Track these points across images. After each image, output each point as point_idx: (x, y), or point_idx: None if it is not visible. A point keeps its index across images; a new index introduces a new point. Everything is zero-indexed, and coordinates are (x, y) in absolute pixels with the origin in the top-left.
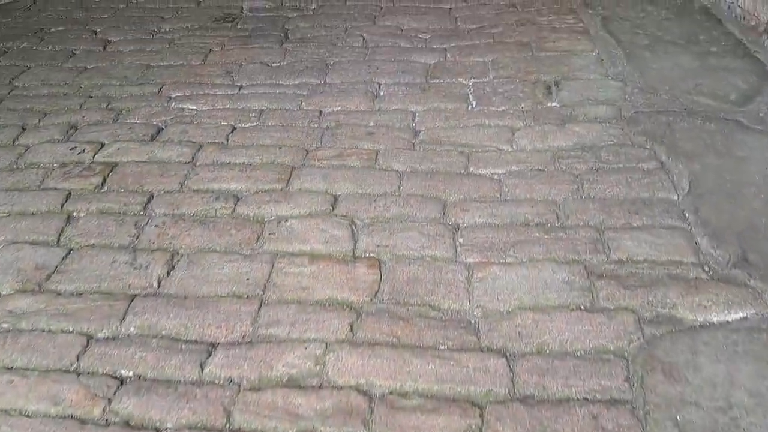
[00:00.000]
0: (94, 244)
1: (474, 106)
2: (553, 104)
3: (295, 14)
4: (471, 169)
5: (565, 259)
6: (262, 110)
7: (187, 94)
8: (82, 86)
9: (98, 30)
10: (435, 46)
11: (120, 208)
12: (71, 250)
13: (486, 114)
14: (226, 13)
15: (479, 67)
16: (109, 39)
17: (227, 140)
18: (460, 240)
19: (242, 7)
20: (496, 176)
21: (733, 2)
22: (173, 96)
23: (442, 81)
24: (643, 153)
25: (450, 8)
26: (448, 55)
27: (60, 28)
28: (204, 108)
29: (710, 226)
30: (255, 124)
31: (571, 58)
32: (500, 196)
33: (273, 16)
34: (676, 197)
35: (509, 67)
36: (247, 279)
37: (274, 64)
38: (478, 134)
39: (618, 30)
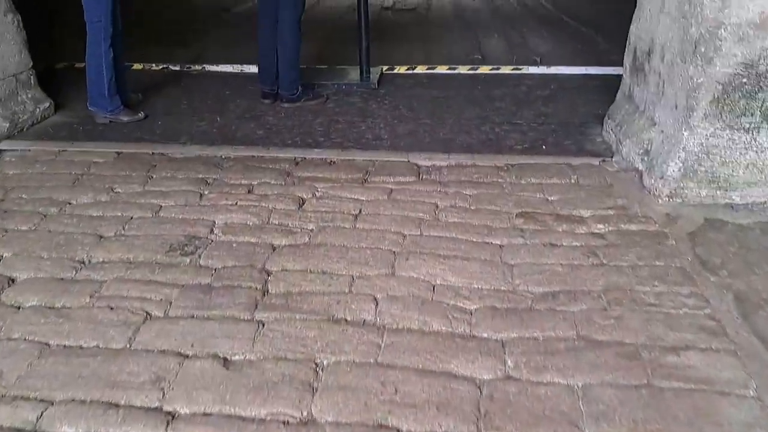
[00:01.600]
0: None
1: None
2: None
3: (284, 241)
4: None
5: None
6: None
7: None
8: None
9: (3, 255)
10: (486, 335)
11: None
12: None
13: None
14: (188, 235)
15: (565, 403)
16: (12, 277)
17: None
18: None
19: (214, 224)
20: None
21: None
22: None
23: None
24: None
25: (501, 246)
26: (509, 364)
27: None
28: None
29: None
30: None
31: (716, 402)
32: None
33: (252, 245)
34: None
35: (617, 417)
36: None
37: (235, 357)
38: None
39: None
